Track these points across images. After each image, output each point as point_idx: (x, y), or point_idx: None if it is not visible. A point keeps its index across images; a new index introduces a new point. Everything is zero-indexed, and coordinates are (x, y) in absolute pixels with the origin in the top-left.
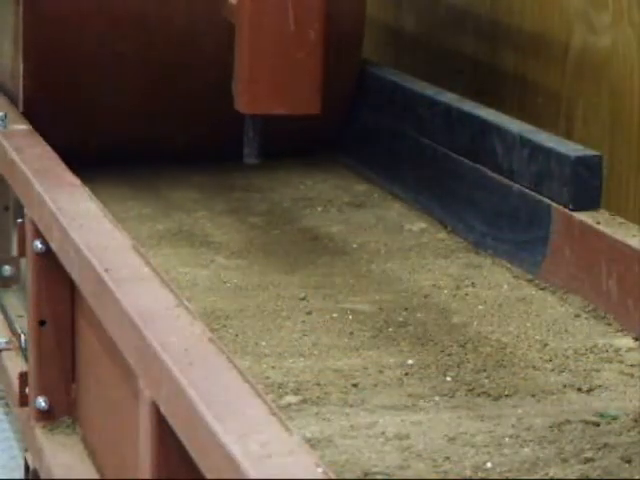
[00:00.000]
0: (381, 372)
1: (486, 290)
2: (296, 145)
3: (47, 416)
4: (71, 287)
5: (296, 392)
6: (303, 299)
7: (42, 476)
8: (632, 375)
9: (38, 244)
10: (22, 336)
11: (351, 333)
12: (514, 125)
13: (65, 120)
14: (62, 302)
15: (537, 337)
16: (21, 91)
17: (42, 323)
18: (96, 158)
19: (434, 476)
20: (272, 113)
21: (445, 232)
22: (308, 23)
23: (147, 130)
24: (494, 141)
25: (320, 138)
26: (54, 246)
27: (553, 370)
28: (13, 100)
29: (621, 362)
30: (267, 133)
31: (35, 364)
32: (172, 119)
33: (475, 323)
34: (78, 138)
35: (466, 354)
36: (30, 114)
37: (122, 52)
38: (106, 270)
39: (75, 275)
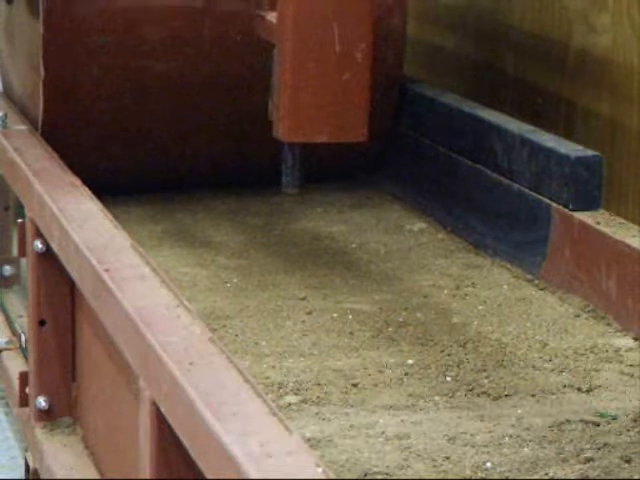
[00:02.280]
0: (381, 372)
1: (486, 290)
2: (334, 169)
3: (47, 416)
4: (71, 287)
5: (296, 392)
6: (303, 299)
7: (42, 476)
8: (632, 375)
9: (38, 244)
10: (22, 336)
11: (351, 333)
12: (514, 125)
13: (83, 146)
14: (62, 302)
15: (537, 337)
16: (41, 115)
17: (42, 323)
18: (112, 186)
19: (434, 476)
20: (315, 141)
21: (445, 232)
22: (354, 43)
23: (166, 160)
24: (494, 141)
25: (361, 162)
26: (54, 246)
27: (553, 370)
28: (31, 119)
29: (621, 362)
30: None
31: (35, 364)
32: (191, 151)
33: (475, 323)
34: (96, 165)
35: (466, 354)
36: (49, 137)
37: (146, 81)
38: (106, 270)
39: (75, 275)
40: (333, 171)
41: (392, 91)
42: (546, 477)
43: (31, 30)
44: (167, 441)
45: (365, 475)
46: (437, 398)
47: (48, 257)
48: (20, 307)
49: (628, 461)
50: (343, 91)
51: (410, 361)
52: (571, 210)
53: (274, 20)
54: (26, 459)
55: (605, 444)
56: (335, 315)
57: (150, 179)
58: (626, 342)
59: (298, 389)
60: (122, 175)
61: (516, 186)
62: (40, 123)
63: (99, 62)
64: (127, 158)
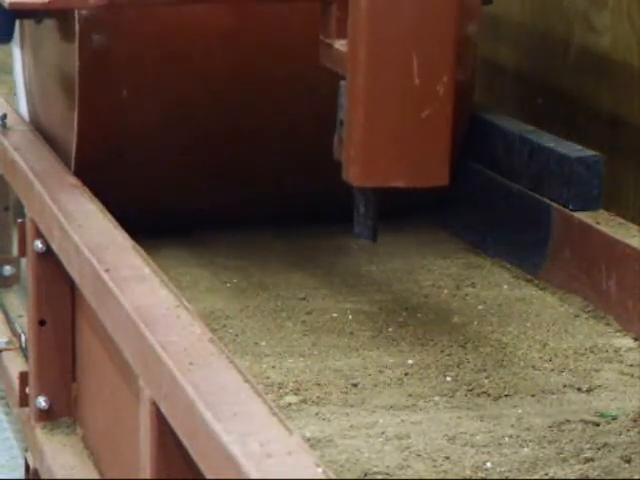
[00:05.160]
0: (381, 372)
1: (486, 290)
2: (396, 204)
3: (47, 416)
4: (71, 287)
5: (296, 392)
6: (303, 299)
7: (42, 476)
8: (632, 375)
9: (38, 244)
10: (22, 336)
11: (351, 333)
12: (514, 125)
13: (123, 184)
14: (62, 302)
15: (537, 337)
16: (74, 150)
17: (42, 323)
18: (152, 225)
19: (434, 476)
20: (390, 186)
21: (445, 232)
22: (436, 75)
23: (203, 201)
24: (494, 141)
25: (424, 200)
26: (54, 246)
27: (553, 370)
28: (61, 151)
29: (621, 362)
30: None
31: (35, 364)
32: (231, 192)
33: (475, 323)
34: (137, 205)
35: (466, 354)
36: (83, 174)
37: (193, 112)
38: (106, 270)
39: (75, 275)
40: (393, 210)
41: (462, 121)
42: (546, 477)
43: (63, 53)
44: (167, 441)
45: (365, 475)
46: (437, 398)
47: (48, 257)
48: (20, 307)
49: (628, 461)
50: (423, 129)
51: (410, 361)
52: (571, 210)
53: (342, 48)
54: (26, 459)
55: (605, 444)
56: (335, 315)
57: (192, 219)
58: (626, 342)
59: (298, 389)
60: (162, 214)
61: (516, 186)
62: (74, 157)
63: (141, 93)
64: (171, 197)
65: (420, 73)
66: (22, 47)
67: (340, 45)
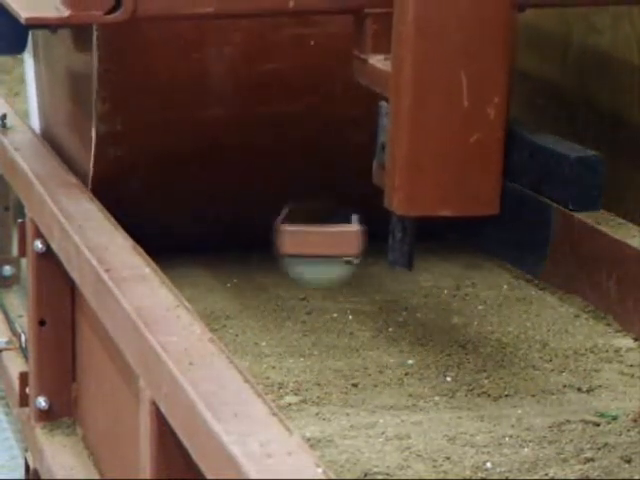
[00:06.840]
0: (381, 372)
1: (486, 290)
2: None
3: (47, 416)
4: (71, 287)
5: (296, 392)
6: (303, 299)
7: (42, 476)
8: (632, 375)
9: (38, 244)
10: (22, 336)
11: (351, 333)
12: (514, 125)
13: (143, 203)
14: (62, 302)
15: (537, 337)
16: (92, 168)
17: (42, 323)
18: (169, 247)
19: (434, 476)
20: (436, 215)
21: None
22: (486, 97)
23: (221, 218)
24: None
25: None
26: (54, 246)
27: (553, 370)
28: (77, 168)
29: (621, 362)
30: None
31: (35, 364)
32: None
33: (475, 323)
34: (155, 226)
35: (466, 354)
36: (101, 190)
37: (216, 131)
38: (106, 270)
39: (75, 275)
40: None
41: None
42: (546, 477)
43: (78, 64)
44: (167, 441)
45: (365, 475)
46: (437, 398)
47: (48, 257)
48: (20, 307)
49: (628, 461)
50: (472, 155)
51: (410, 361)
52: (571, 210)
53: (379, 64)
54: (26, 459)
55: (605, 444)
56: (335, 315)
57: (211, 240)
58: (626, 342)
59: (298, 389)
60: (179, 235)
61: (516, 186)
62: (91, 173)
63: (159, 106)
64: (189, 218)
65: (470, 94)
66: (35, 56)
67: (376, 61)
